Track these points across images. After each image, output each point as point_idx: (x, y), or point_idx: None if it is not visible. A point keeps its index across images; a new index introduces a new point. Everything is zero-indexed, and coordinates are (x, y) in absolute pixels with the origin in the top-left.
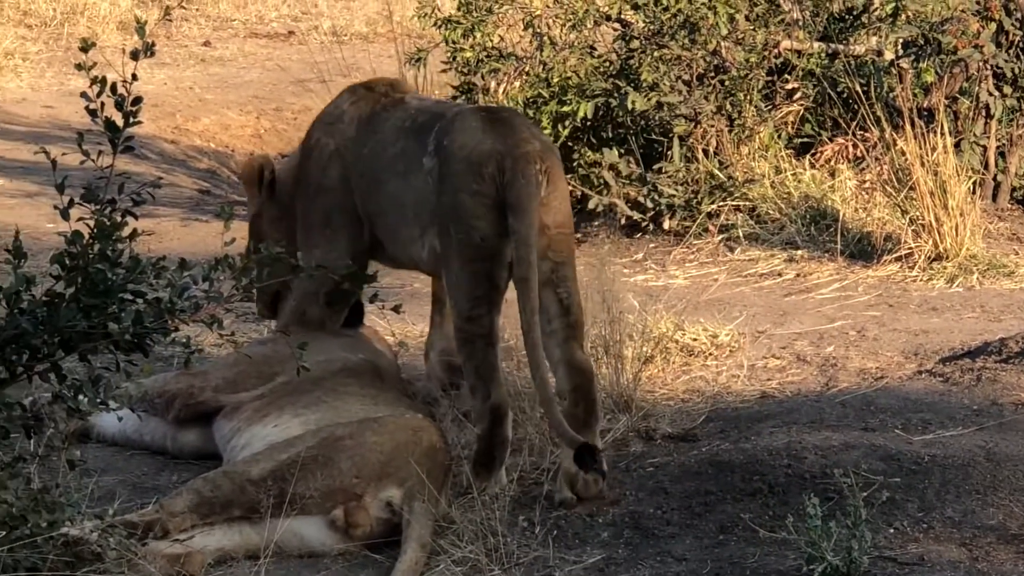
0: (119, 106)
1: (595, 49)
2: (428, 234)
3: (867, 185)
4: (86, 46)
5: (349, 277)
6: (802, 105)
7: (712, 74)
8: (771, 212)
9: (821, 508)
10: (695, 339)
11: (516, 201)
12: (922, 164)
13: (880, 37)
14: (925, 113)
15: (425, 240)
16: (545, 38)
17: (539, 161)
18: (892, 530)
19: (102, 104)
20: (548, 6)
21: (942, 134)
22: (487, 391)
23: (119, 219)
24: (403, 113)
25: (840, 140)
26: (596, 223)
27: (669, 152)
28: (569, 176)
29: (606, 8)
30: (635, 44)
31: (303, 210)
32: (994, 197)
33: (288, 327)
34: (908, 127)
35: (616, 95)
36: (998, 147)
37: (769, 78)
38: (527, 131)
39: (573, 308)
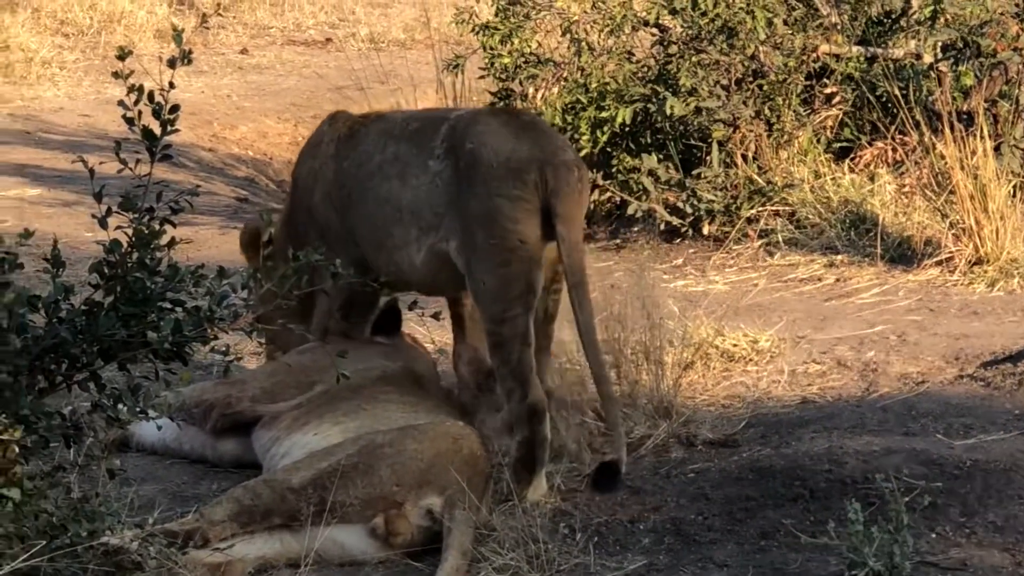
0: (156, 114)
1: (633, 54)
2: (429, 236)
3: (907, 189)
4: (123, 54)
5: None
6: (841, 109)
7: (750, 79)
8: (810, 217)
9: (863, 513)
10: (735, 344)
11: (564, 209)
12: (962, 168)
13: (919, 40)
14: (964, 116)
15: (422, 242)
16: (583, 44)
17: (577, 169)
18: (934, 535)
19: (139, 112)
20: (586, 11)
21: (982, 137)
22: (524, 391)
23: (157, 227)
24: (388, 123)
25: (879, 144)
26: (635, 229)
27: (708, 157)
28: (608, 182)
29: (644, 13)
30: (673, 49)
31: (303, 234)
32: None
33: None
34: (947, 131)
35: (654, 100)
36: None
37: (808, 82)
38: (557, 138)
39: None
